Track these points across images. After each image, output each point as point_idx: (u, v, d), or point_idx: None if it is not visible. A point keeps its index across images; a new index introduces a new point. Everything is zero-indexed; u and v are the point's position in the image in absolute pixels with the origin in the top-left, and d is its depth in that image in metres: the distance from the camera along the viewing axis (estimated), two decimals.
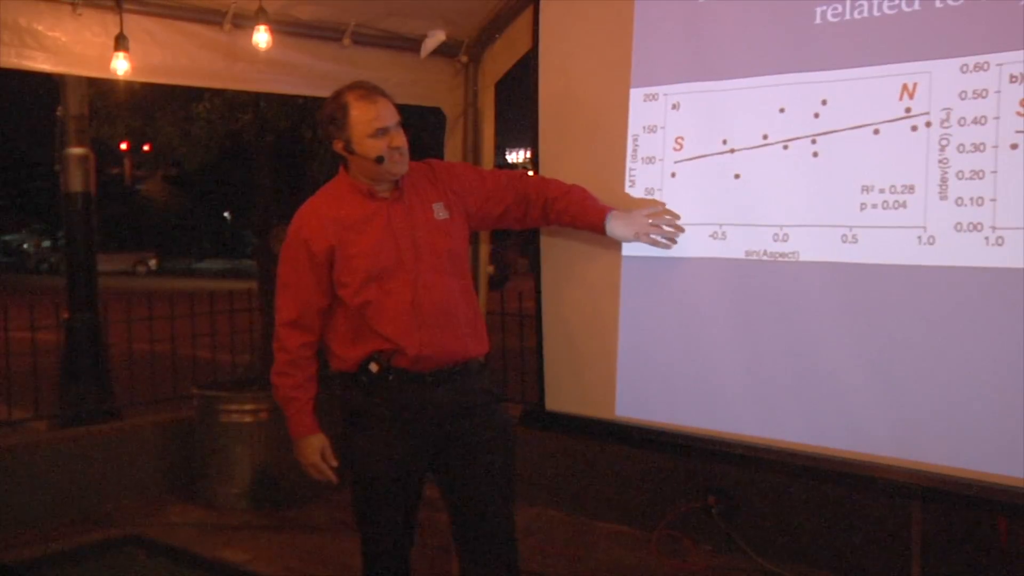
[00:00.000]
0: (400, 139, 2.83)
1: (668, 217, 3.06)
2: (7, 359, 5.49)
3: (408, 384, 2.84)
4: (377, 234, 2.85)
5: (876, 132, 2.69)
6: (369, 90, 2.83)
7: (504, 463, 2.98)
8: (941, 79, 2.58)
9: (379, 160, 2.78)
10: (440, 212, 2.94)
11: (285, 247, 2.91)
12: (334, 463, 2.92)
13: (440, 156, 4.05)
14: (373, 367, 2.84)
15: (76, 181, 6.36)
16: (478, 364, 2.98)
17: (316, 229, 2.85)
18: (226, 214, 36.16)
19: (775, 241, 2.90)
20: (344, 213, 2.86)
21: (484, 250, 4.04)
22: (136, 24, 3.16)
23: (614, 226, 3.04)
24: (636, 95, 3.21)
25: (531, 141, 3.60)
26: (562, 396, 3.51)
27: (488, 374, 3.03)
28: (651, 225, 3.05)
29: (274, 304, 2.94)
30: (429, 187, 2.97)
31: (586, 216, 3.07)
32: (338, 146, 2.85)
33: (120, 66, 3.11)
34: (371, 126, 2.78)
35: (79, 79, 6.24)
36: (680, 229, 3.05)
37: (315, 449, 2.92)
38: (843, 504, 4.15)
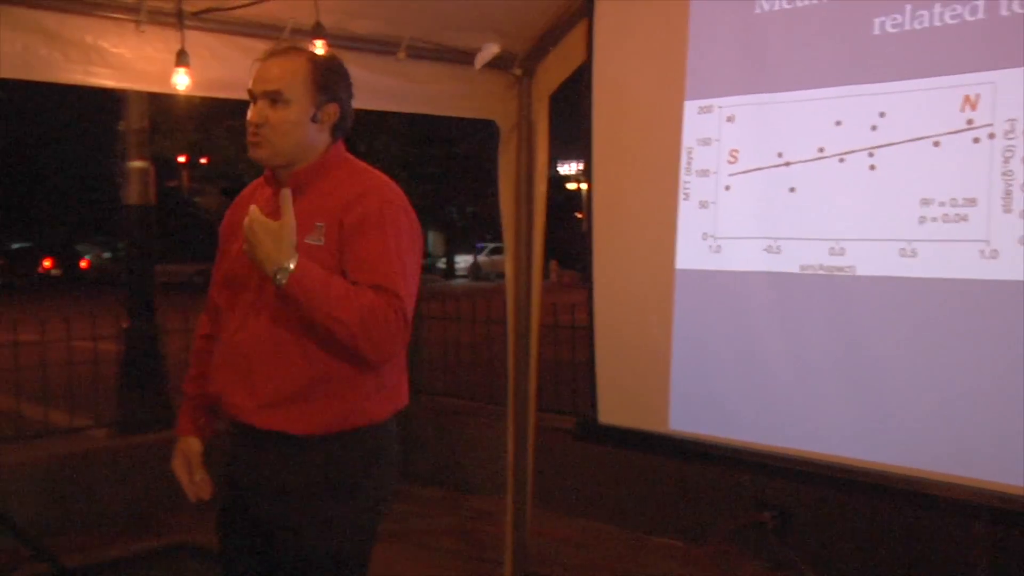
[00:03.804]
0: (258, 113, 2.22)
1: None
2: (70, 368, 5.61)
3: (227, 434, 2.36)
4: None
5: (936, 144, 2.64)
6: (278, 48, 2.31)
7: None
8: (1006, 89, 2.53)
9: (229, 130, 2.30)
10: (316, 235, 2.21)
11: None
12: (196, 476, 2.41)
13: (495, 168, 4.06)
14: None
15: (136, 193, 6.48)
16: (283, 440, 2.22)
17: (232, 206, 2.44)
18: None
19: (831, 255, 2.86)
20: (253, 198, 2.34)
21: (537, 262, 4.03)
22: (196, 40, 3.22)
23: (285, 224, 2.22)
24: (691, 107, 3.20)
25: (583, 153, 3.60)
26: (615, 409, 3.50)
27: (314, 460, 2.23)
28: None
29: None
30: (334, 200, 2.24)
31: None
32: None
33: (181, 81, 3.16)
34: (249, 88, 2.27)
35: (140, 94, 6.37)
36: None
37: (179, 452, 2.44)
38: (901, 522, 4.07)
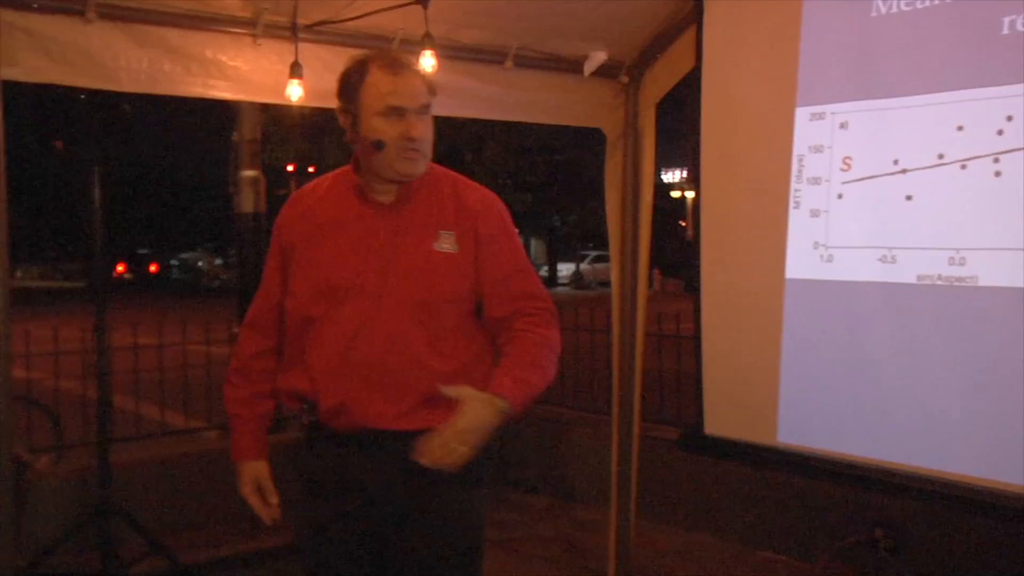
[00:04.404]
0: (421, 129, 2.21)
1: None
2: (184, 370, 5.80)
3: (331, 445, 2.30)
4: (344, 244, 2.26)
5: None
6: (395, 59, 2.26)
7: (459, 564, 2.31)
8: None
9: (378, 145, 2.19)
10: (446, 243, 2.25)
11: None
12: (272, 499, 2.39)
13: (596, 176, 4.05)
14: (305, 418, 2.32)
15: (248, 202, 6.67)
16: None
17: (288, 217, 2.36)
18: None
19: (950, 265, 2.76)
20: (324, 207, 2.31)
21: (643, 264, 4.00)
22: (309, 52, 3.30)
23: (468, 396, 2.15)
24: (802, 114, 3.14)
25: (691, 161, 3.56)
26: (721, 420, 3.45)
27: None
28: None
29: None
30: (448, 207, 2.29)
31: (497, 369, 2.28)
32: (345, 122, 2.28)
33: (294, 92, 3.24)
34: (383, 101, 2.18)
35: (253, 105, 6.56)
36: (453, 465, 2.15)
37: (248, 479, 2.40)
38: (1018, 543, 3.90)
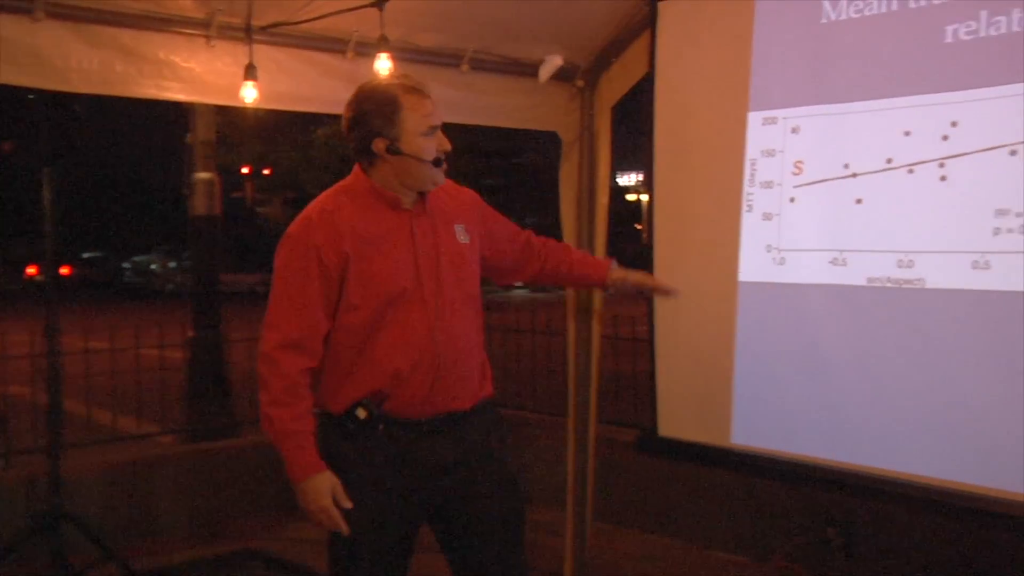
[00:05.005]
0: (448, 142, 2.53)
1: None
2: (137, 375, 5.73)
3: (401, 433, 2.48)
4: (399, 251, 2.49)
5: (1013, 153, 2.59)
6: (418, 82, 2.53)
7: (511, 515, 2.65)
8: None
9: (437, 162, 2.49)
10: (462, 235, 2.60)
11: (288, 253, 2.49)
12: (347, 504, 2.44)
13: (556, 179, 4.07)
14: (361, 413, 2.45)
15: (202, 204, 6.61)
16: (484, 405, 2.63)
17: (331, 236, 2.45)
18: None
19: (899, 267, 2.81)
20: (364, 222, 2.48)
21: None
22: (264, 54, 3.28)
23: (617, 278, 3.00)
24: (754, 119, 3.17)
25: (645, 165, 3.59)
26: (676, 422, 3.48)
27: (492, 413, 2.68)
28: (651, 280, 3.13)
29: (265, 320, 2.49)
30: (452, 204, 2.64)
31: (586, 267, 3.02)
32: (379, 145, 2.47)
33: (249, 94, 3.23)
34: (425, 123, 2.48)
35: (207, 107, 6.51)
36: (677, 292, 3.12)
37: (326, 491, 2.43)
38: (971, 541, 3.97)
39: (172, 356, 6.22)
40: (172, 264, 36.58)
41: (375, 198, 2.51)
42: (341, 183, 2.59)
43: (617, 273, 2.99)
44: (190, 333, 6.61)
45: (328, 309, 2.46)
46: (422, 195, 2.55)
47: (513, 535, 2.64)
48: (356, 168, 2.57)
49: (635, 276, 3.05)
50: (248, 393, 6.51)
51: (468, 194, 2.72)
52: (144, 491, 5.17)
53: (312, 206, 2.54)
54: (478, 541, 2.59)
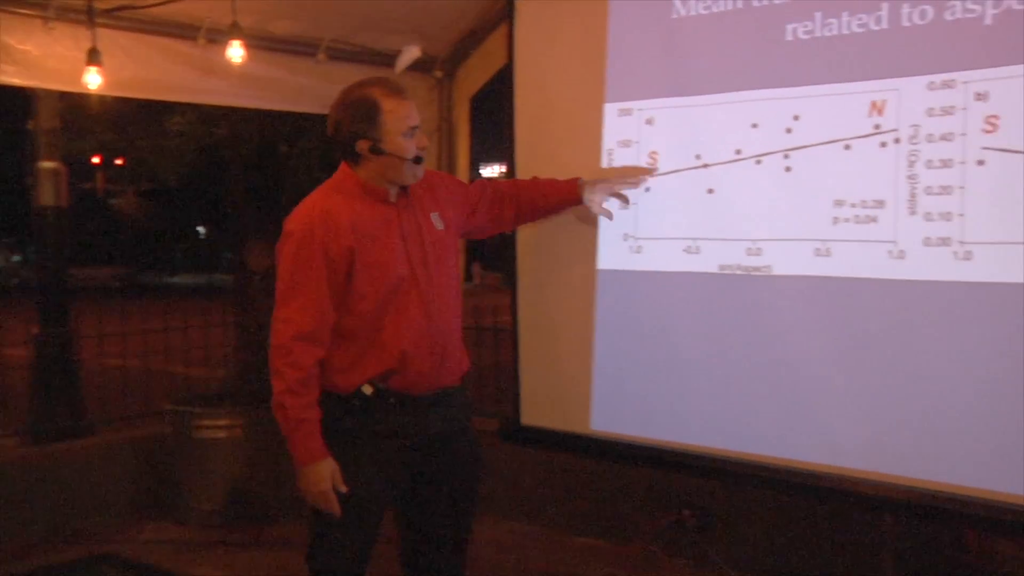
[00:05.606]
0: (425, 139, 2.73)
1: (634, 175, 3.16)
2: None
3: (404, 407, 2.68)
4: (393, 242, 2.68)
5: (847, 148, 2.72)
6: (396, 86, 2.69)
7: (471, 486, 2.88)
8: (909, 96, 2.62)
9: (418, 160, 2.66)
10: (438, 222, 2.79)
11: (293, 250, 2.62)
12: (343, 489, 2.62)
13: None
14: (367, 389, 2.64)
15: (48, 195, 6.29)
16: (464, 382, 2.88)
17: (333, 231, 2.61)
18: (200, 229, 35.96)
19: (748, 255, 2.92)
20: (359, 217, 2.65)
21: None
22: (109, 39, 3.16)
23: (588, 191, 3.11)
24: (611, 110, 3.23)
25: (507, 155, 3.61)
26: (537, 410, 3.52)
27: (467, 390, 2.92)
28: (618, 180, 3.16)
29: (276, 315, 2.62)
30: (426, 194, 2.81)
31: (558, 192, 3.12)
32: (363, 146, 2.63)
33: (92, 80, 3.10)
34: (405, 123, 2.64)
35: (51, 93, 6.20)
36: (647, 172, 3.15)
37: (328, 476, 2.61)
38: (818, 518, 4.16)
39: (16, 354, 5.93)
40: (16, 258, 34.81)
41: (365, 193, 2.69)
42: (328, 182, 2.74)
43: (587, 186, 3.12)
44: (35, 330, 6.31)
45: (334, 300, 2.62)
46: (404, 189, 2.72)
47: (469, 503, 2.88)
48: (343, 166, 2.72)
49: (601, 184, 3.14)
50: (100, 391, 6.28)
51: (433, 177, 2.87)
52: None
53: (308, 204, 2.68)
54: (440, 513, 2.81)
